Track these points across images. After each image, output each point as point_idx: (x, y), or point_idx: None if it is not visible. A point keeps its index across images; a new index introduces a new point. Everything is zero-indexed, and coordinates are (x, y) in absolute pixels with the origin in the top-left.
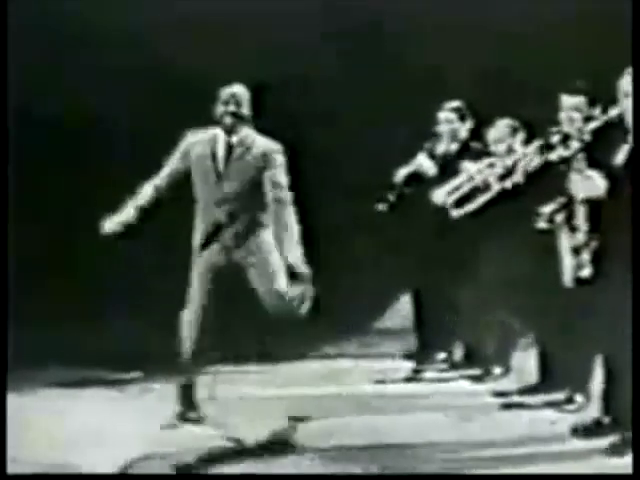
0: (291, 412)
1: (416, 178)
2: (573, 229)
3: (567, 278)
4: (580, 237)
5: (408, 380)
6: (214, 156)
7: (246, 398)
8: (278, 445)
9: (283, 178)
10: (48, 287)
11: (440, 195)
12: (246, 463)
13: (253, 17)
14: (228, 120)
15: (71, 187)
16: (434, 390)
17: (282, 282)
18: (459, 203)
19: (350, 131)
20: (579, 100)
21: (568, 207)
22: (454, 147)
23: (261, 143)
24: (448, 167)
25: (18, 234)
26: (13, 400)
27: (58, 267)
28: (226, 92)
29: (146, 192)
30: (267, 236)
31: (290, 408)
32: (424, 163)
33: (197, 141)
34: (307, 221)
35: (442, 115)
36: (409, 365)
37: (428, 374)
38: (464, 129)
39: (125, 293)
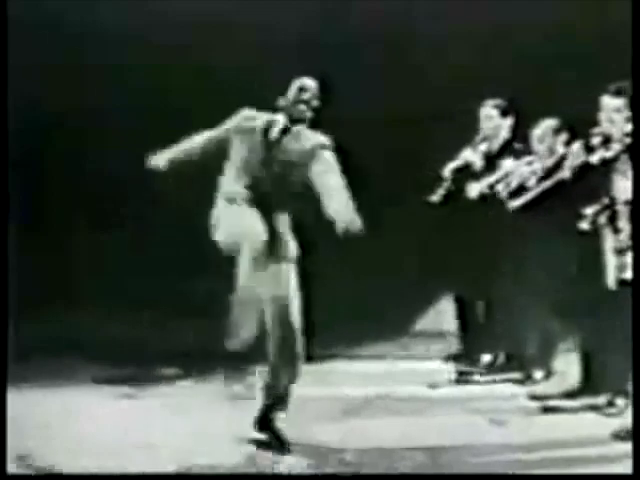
0: (329, 412)
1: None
2: (616, 231)
3: (610, 280)
4: (623, 239)
5: (456, 382)
6: (266, 134)
7: None
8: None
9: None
10: (48, 285)
11: (474, 189)
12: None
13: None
14: (302, 109)
15: (71, 186)
16: (475, 393)
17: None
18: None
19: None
20: (620, 101)
21: (611, 209)
22: (497, 144)
23: (313, 137)
24: (492, 163)
25: (19, 234)
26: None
27: (58, 266)
28: (303, 82)
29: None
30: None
31: (328, 408)
32: (471, 157)
33: (251, 117)
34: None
35: (483, 112)
36: (451, 367)
37: (470, 377)
38: (506, 126)
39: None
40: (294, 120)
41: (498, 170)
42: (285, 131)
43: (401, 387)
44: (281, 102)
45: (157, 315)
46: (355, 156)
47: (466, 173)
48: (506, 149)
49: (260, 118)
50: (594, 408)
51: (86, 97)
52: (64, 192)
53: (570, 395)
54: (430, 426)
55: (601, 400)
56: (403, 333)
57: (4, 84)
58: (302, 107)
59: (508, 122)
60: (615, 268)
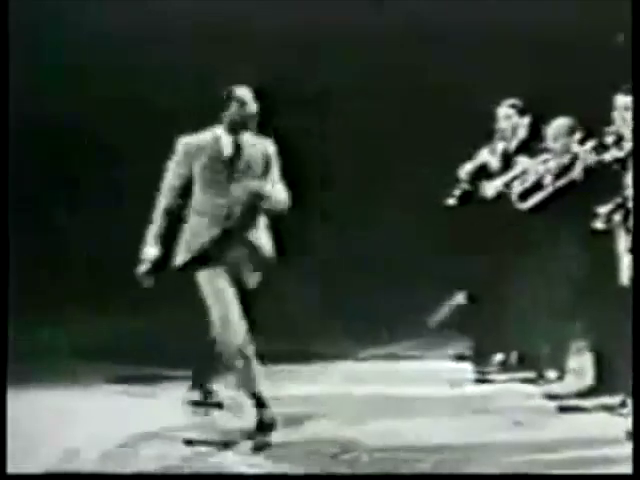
0: (342, 412)
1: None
2: (629, 230)
3: (624, 279)
4: None
5: (476, 382)
6: (220, 159)
7: (295, 397)
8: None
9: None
10: (48, 285)
11: (491, 188)
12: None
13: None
14: (252, 122)
15: (71, 186)
16: (487, 392)
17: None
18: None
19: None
20: (630, 100)
21: (624, 208)
22: (514, 143)
23: (260, 142)
24: (508, 162)
25: (19, 234)
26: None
27: (58, 266)
28: (242, 93)
29: (161, 221)
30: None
31: (341, 408)
32: (487, 157)
33: (197, 145)
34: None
35: (501, 111)
36: (464, 367)
37: (487, 376)
38: (524, 125)
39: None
40: (236, 130)
41: (514, 168)
42: (238, 146)
43: (413, 387)
44: (225, 115)
45: (162, 314)
46: (366, 157)
47: (481, 173)
48: (523, 148)
49: (202, 137)
50: (608, 408)
51: (86, 97)
52: (65, 193)
53: (583, 395)
54: (443, 425)
55: (614, 400)
56: (416, 333)
57: (4, 84)
58: (246, 116)
59: (525, 121)
60: (628, 267)
